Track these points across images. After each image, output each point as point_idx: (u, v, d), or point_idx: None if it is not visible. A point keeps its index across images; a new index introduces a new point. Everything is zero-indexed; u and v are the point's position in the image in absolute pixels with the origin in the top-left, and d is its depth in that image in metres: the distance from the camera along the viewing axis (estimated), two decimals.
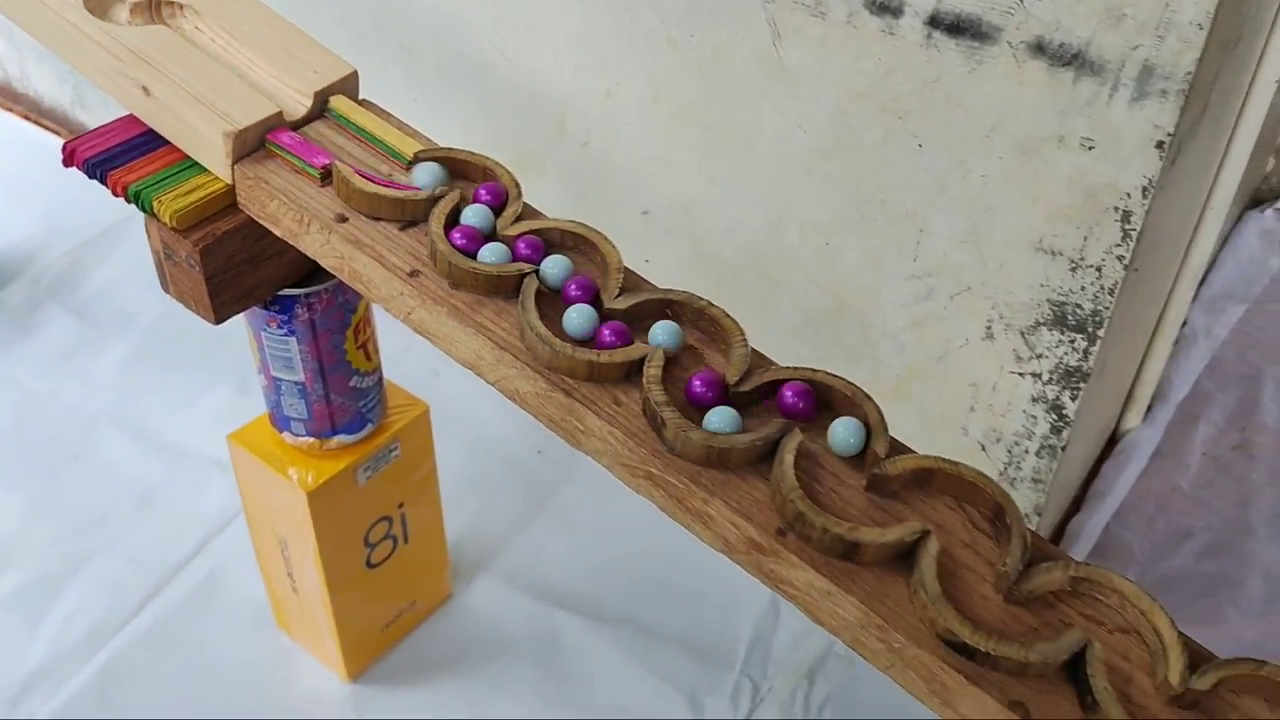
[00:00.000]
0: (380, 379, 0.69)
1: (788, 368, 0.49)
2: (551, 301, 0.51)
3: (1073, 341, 0.68)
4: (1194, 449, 0.96)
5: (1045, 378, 0.71)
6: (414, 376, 0.80)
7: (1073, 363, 0.69)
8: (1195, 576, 0.86)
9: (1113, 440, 0.97)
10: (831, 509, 0.45)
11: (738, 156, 0.76)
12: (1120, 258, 0.63)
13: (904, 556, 0.44)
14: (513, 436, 0.97)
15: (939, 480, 0.46)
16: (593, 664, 0.80)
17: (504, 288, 0.51)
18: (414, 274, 0.51)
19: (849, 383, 0.48)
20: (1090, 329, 0.67)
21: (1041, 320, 0.68)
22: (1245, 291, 1.13)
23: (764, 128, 0.73)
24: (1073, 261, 0.65)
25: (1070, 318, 0.67)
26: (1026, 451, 0.74)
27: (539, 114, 0.85)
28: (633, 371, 0.48)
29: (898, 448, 0.47)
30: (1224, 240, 1.17)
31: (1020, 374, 0.71)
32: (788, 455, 0.45)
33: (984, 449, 0.76)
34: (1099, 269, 0.64)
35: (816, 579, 0.44)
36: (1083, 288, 0.65)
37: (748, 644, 0.82)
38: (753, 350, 0.49)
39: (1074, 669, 0.41)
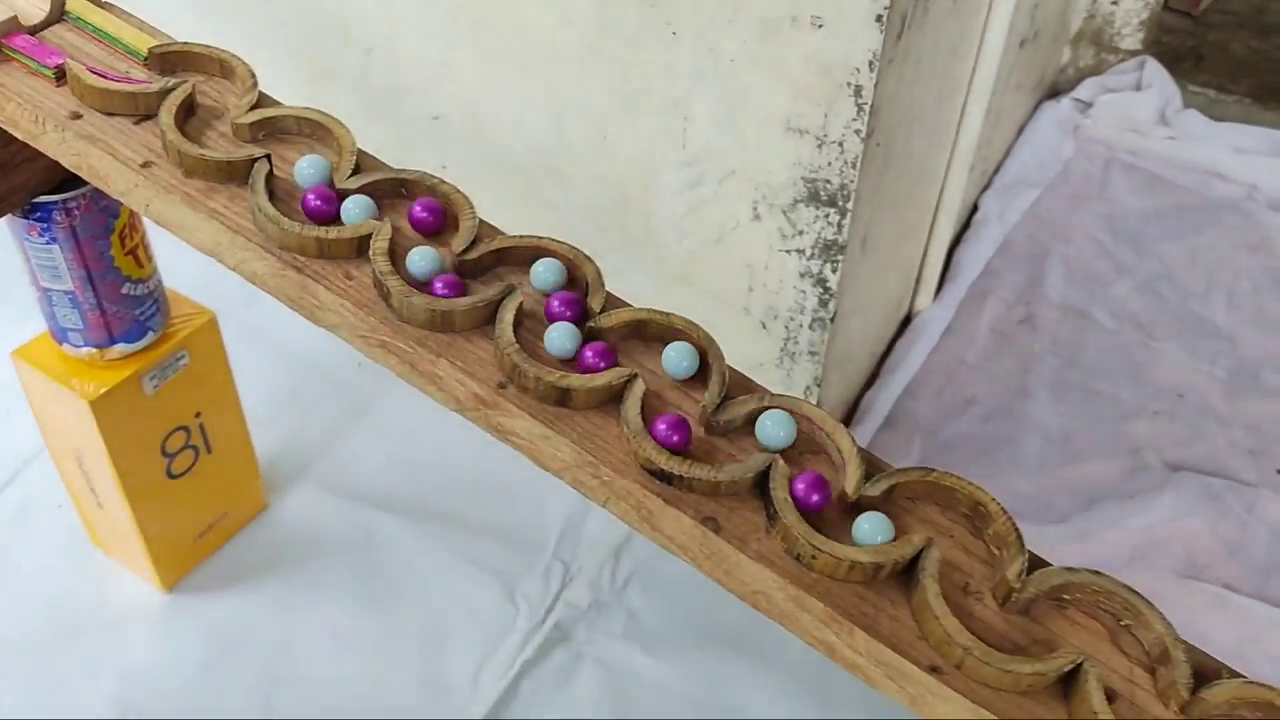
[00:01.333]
0: (158, 287, 0.69)
1: (513, 236, 0.51)
2: (289, 188, 0.52)
3: (827, 216, 0.72)
4: (982, 325, 1.02)
5: (808, 253, 0.75)
6: (229, 300, 0.81)
7: (830, 236, 0.73)
8: (977, 438, 0.92)
9: (907, 321, 1.03)
10: (548, 362, 0.48)
11: (514, 54, 0.78)
12: (857, 131, 0.67)
13: (614, 400, 0.47)
14: (331, 352, 0.98)
15: (652, 329, 0.49)
16: (409, 560, 0.83)
17: (236, 174, 0.52)
18: (147, 165, 0.52)
19: (571, 247, 0.51)
20: (840, 203, 0.71)
21: (799, 198, 0.72)
22: (1039, 178, 1.19)
23: (534, 23, 0.75)
24: (818, 139, 0.69)
25: (822, 193, 0.71)
26: (800, 326, 0.79)
27: (322, 22, 0.85)
28: (363, 248, 0.50)
29: (614, 302, 0.50)
30: (1020, 129, 1.23)
31: (787, 251, 0.75)
32: (507, 314, 0.48)
33: (765, 326, 0.81)
34: (840, 144, 0.68)
35: (535, 425, 0.47)
36: (829, 163, 0.69)
37: (559, 531, 0.85)
38: (481, 221, 0.52)
39: (762, 486, 0.45)
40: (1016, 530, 0.44)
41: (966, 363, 0.99)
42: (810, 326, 0.78)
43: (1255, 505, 0.87)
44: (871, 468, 0.46)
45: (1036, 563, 0.44)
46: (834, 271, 0.75)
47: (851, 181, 0.69)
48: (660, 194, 0.78)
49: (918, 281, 1.02)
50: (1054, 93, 1.29)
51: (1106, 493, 0.88)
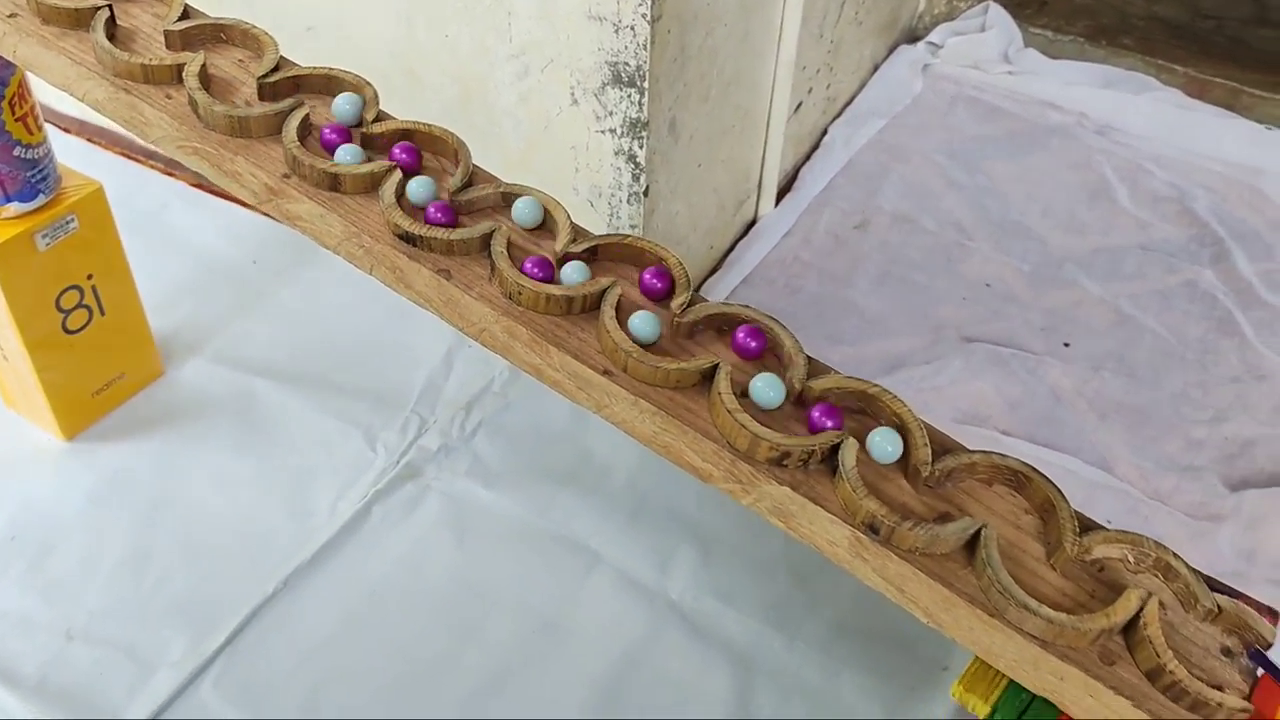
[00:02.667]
0: (48, 155, 0.81)
1: (308, 67, 0.63)
2: (129, 33, 0.64)
3: (630, 96, 0.83)
4: (819, 229, 1.14)
5: (619, 132, 0.86)
6: (144, 211, 0.91)
7: (634, 115, 0.84)
8: (799, 317, 1.04)
9: (753, 225, 1.14)
10: (324, 155, 0.59)
11: None
12: (644, 15, 0.78)
13: (377, 185, 0.58)
14: (230, 253, 1.10)
15: (419, 139, 0.61)
16: (285, 416, 0.94)
17: (83, 21, 0.63)
18: (13, 16, 0.64)
19: (356, 75, 0.63)
20: (639, 82, 0.82)
21: (605, 81, 0.84)
22: (888, 110, 1.31)
23: None
24: (615, 24, 0.80)
25: (623, 75, 0.82)
26: (620, 201, 0.90)
27: None
28: (180, 75, 0.61)
29: (383, 117, 0.61)
30: (875, 69, 1.35)
31: (601, 132, 0.87)
32: (293, 120, 0.59)
33: (591, 204, 0.92)
34: (633, 28, 0.80)
35: (314, 207, 0.58)
36: (625, 46, 0.81)
37: (420, 390, 0.96)
38: (283, 58, 0.63)
39: (488, 246, 0.57)
40: (684, 271, 0.56)
41: (801, 259, 1.11)
42: (628, 201, 0.90)
43: (1038, 370, 0.99)
44: (581, 235, 0.58)
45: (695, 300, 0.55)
46: (641, 148, 0.86)
47: (645, 63, 0.81)
48: (497, 87, 0.90)
49: (760, 190, 1.13)
50: (912, 39, 1.41)
51: (907, 361, 0.99)
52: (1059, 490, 0.50)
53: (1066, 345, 1.03)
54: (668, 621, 0.81)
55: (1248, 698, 0.46)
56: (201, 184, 1.17)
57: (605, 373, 0.53)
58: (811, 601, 0.82)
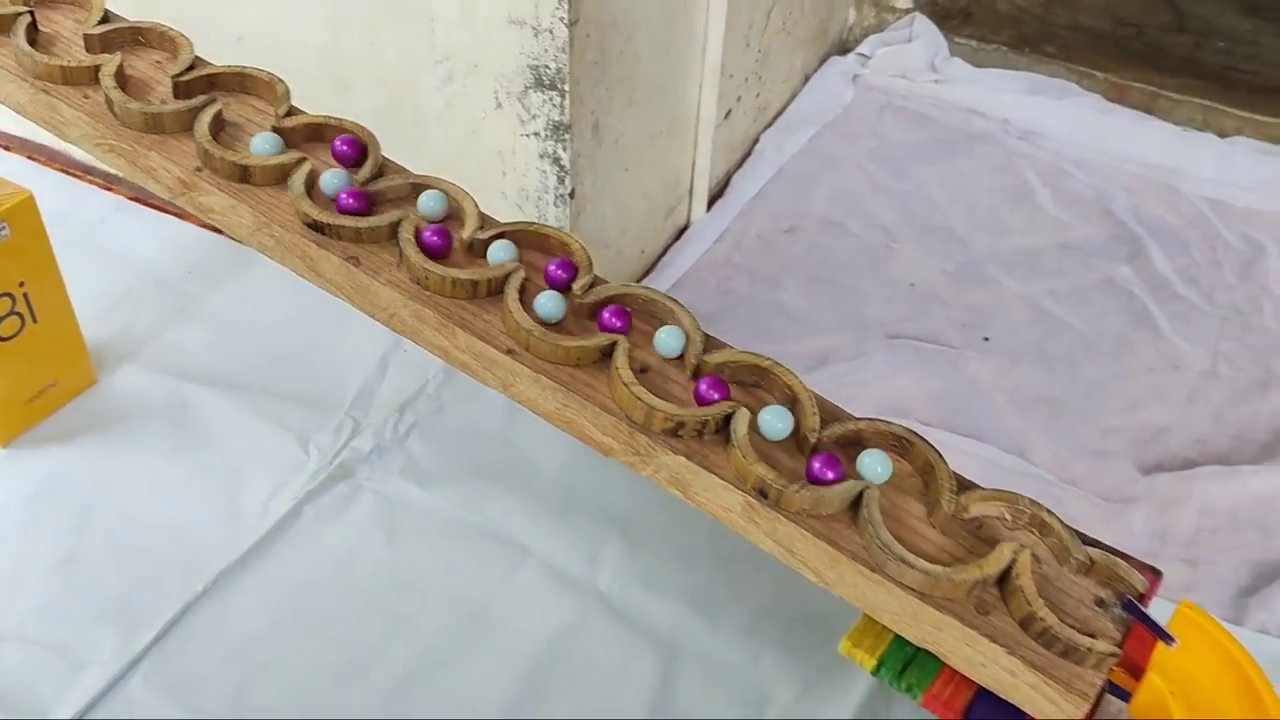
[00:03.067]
0: None
1: (221, 65, 0.64)
2: (50, 38, 0.65)
3: (551, 99, 0.86)
4: (750, 234, 1.17)
5: (542, 135, 0.88)
6: (78, 228, 0.92)
7: (556, 117, 0.87)
8: (728, 317, 1.06)
9: (685, 230, 1.17)
10: (235, 149, 0.61)
11: None
12: (562, 19, 0.81)
13: (287, 176, 0.60)
14: (169, 263, 1.11)
15: (328, 132, 0.63)
16: (219, 422, 0.95)
17: (4, 26, 0.65)
18: None
19: (268, 73, 0.65)
20: (560, 85, 0.85)
21: (528, 84, 0.86)
22: (819, 119, 1.34)
23: None
24: (534, 28, 0.83)
25: (544, 78, 0.85)
26: (547, 204, 0.92)
27: None
28: (97, 76, 0.63)
29: (294, 112, 0.63)
30: (806, 79, 1.39)
31: (526, 135, 0.89)
32: (205, 115, 0.61)
33: (520, 208, 0.94)
34: (551, 31, 0.82)
35: (224, 199, 0.60)
36: (545, 49, 0.83)
37: (354, 394, 0.98)
38: (198, 58, 0.65)
39: (397, 233, 0.58)
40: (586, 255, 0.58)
41: (732, 263, 1.13)
42: (554, 204, 0.92)
43: (958, 363, 1.02)
44: (489, 223, 0.60)
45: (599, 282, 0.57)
46: (565, 150, 0.88)
47: (565, 65, 0.83)
48: (424, 93, 0.92)
49: (691, 196, 1.16)
50: (843, 50, 1.45)
51: (833, 357, 1.02)
52: (938, 453, 0.52)
53: (986, 340, 1.05)
54: (594, 611, 0.82)
55: (1119, 645, 0.48)
56: (139, 198, 1.18)
57: (509, 352, 0.55)
58: (735, 587, 0.84)
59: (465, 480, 0.91)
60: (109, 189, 1.20)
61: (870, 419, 0.53)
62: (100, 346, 1.00)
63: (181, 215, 1.16)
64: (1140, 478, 0.93)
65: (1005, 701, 0.49)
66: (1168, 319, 1.08)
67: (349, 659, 0.79)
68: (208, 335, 1.03)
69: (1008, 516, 0.51)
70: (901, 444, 0.53)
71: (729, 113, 1.17)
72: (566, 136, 0.88)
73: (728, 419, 0.52)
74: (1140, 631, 0.49)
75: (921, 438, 0.53)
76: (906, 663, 0.52)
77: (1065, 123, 1.31)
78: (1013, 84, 1.37)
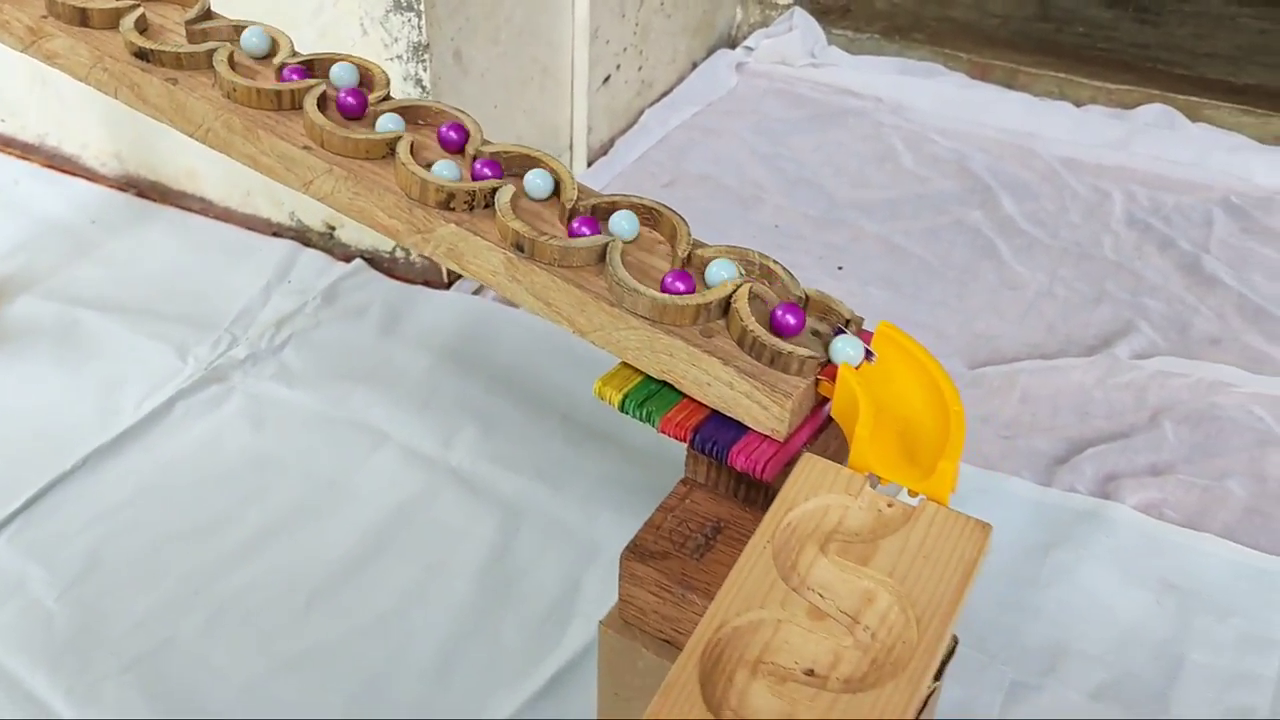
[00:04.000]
0: None
1: None
2: None
3: (410, 20, 0.94)
4: (629, 189, 1.24)
5: (404, 57, 0.96)
6: None
7: (415, 38, 0.94)
8: None
9: None
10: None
11: None
12: None
13: (118, 19, 0.67)
14: (74, 216, 1.17)
15: None
16: (104, 338, 1.00)
17: None
18: None
19: None
20: (416, 5, 0.92)
21: (389, 9, 0.94)
22: (703, 99, 1.43)
23: None
24: None
25: (403, 1, 0.93)
26: None
27: None
28: None
29: None
30: (694, 66, 1.48)
31: (390, 59, 0.97)
32: None
33: None
34: None
35: (66, 41, 0.66)
36: None
37: (235, 315, 1.03)
38: None
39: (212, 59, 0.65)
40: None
41: None
42: None
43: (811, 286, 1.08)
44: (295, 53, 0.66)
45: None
46: (425, 71, 0.96)
47: None
48: (296, 22, 0.99)
49: (571, 151, 1.24)
50: (731, 44, 1.55)
51: None
52: (683, 219, 0.58)
53: (840, 269, 1.12)
54: (445, 482, 0.87)
55: (825, 364, 0.54)
56: (53, 165, 1.25)
57: (305, 149, 0.61)
58: (580, 462, 0.89)
59: (334, 382, 0.96)
60: (25, 158, 1.27)
61: (624, 194, 0.60)
62: (1, 280, 1.06)
63: (90, 177, 1.23)
64: (967, 372, 0.99)
65: (729, 420, 0.54)
66: (1011, 251, 1.16)
67: (205, 522, 0.83)
68: (103, 272, 1.09)
69: (740, 270, 0.57)
70: (652, 214, 0.59)
71: (608, 78, 1.26)
72: (426, 57, 0.95)
73: (495, 192, 0.59)
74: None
75: (670, 208, 0.59)
76: (648, 396, 0.57)
77: (931, 98, 1.40)
78: (884, 67, 1.46)
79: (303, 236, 1.13)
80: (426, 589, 0.79)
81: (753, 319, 0.53)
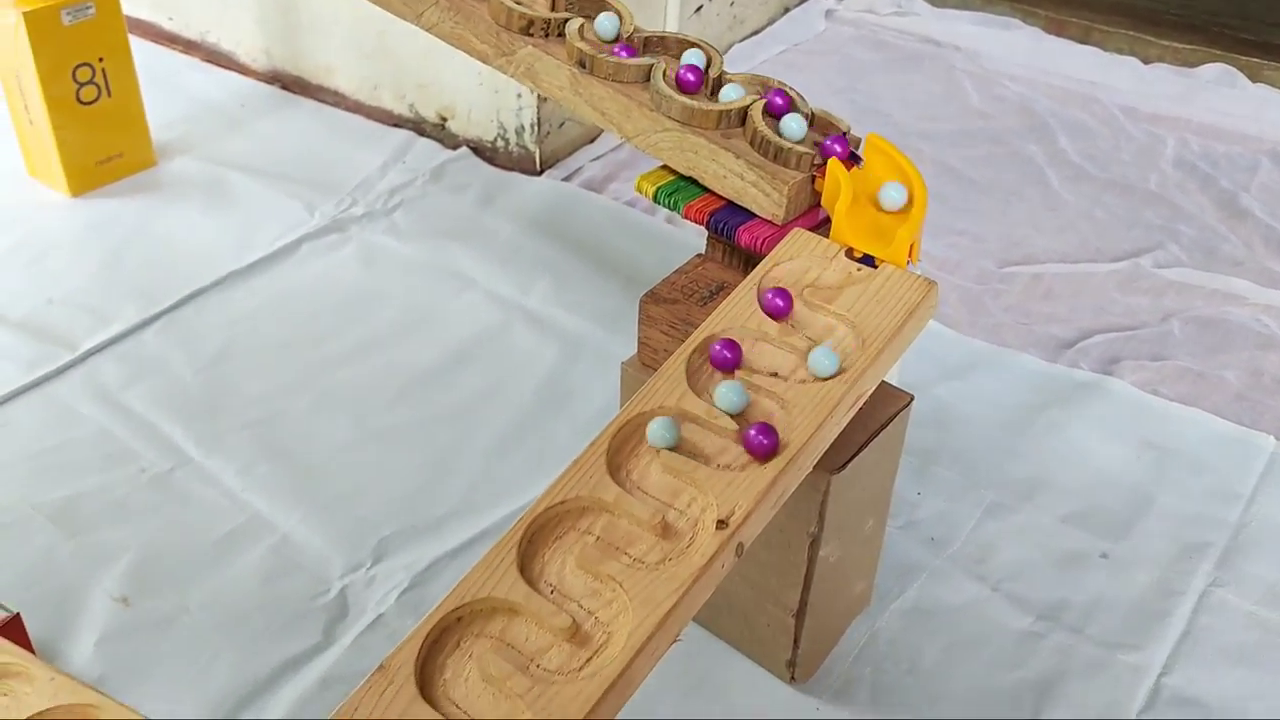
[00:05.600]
0: None
1: None
2: None
3: None
4: None
5: None
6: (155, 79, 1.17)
7: None
8: None
9: None
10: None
11: None
12: None
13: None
14: (228, 100, 1.35)
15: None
16: (246, 194, 1.17)
17: None
18: None
19: None
20: None
21: None
22: (790, 39, 1.54)
23: None
24: None
25: None
26: None
27: None
28: None
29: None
30: (786, 11, 1.59)
31: None
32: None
33: None
34: None
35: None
36: None
37: (357, 183, 1.19)
38: None
39: None
40: None
41: None
42: None
43: None
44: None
45: None
46: None
47: None
48: None
49: None
50: None
51: None
52: (718, 52, 0.71)
53: None
54: (519, 320, 1.01)
55: (821, 164, 0.65)
56: (211, 59, 1.43)
57: None
58: (635, 312, 1.02)
59: (434, 239, 1.11)
60: (187, 53, 1.45)
61: (675, 34, 0.72)
62: (163, 144, 1.23)
63: (242, 71, 1.41)
64: (997, 269, 1.09)
65: (739, 208, 0.66)
66: (1059, 180, 1.24)
67: (317, 334, 0.99)
68: (248, 145, 1.26)
69: (760, 90, 0.69)
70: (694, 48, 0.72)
71: (700, 8, 1.38)
72: None
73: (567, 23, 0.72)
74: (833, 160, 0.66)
75: (708, 44, 0.71)
76: (676, 190, 0.69)
77: (1006, 47, 1.49)
78: (965, 19, 1.56)
79: (419, 127, 1.28)
80: (495, 394, 0.93)
81: (763, 122, 0.65)
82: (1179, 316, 1.03)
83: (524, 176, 1.22)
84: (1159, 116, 1.37)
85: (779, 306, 0.59)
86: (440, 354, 0.97)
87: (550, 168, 1.23)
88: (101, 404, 0.90)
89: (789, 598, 0.66)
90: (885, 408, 0.65)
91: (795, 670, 0.70)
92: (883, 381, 0.67)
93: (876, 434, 0.63)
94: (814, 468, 0.60)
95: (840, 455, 0.62)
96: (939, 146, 1.30)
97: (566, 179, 1.22)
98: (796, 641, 0.68)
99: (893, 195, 0.63)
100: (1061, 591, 0.77)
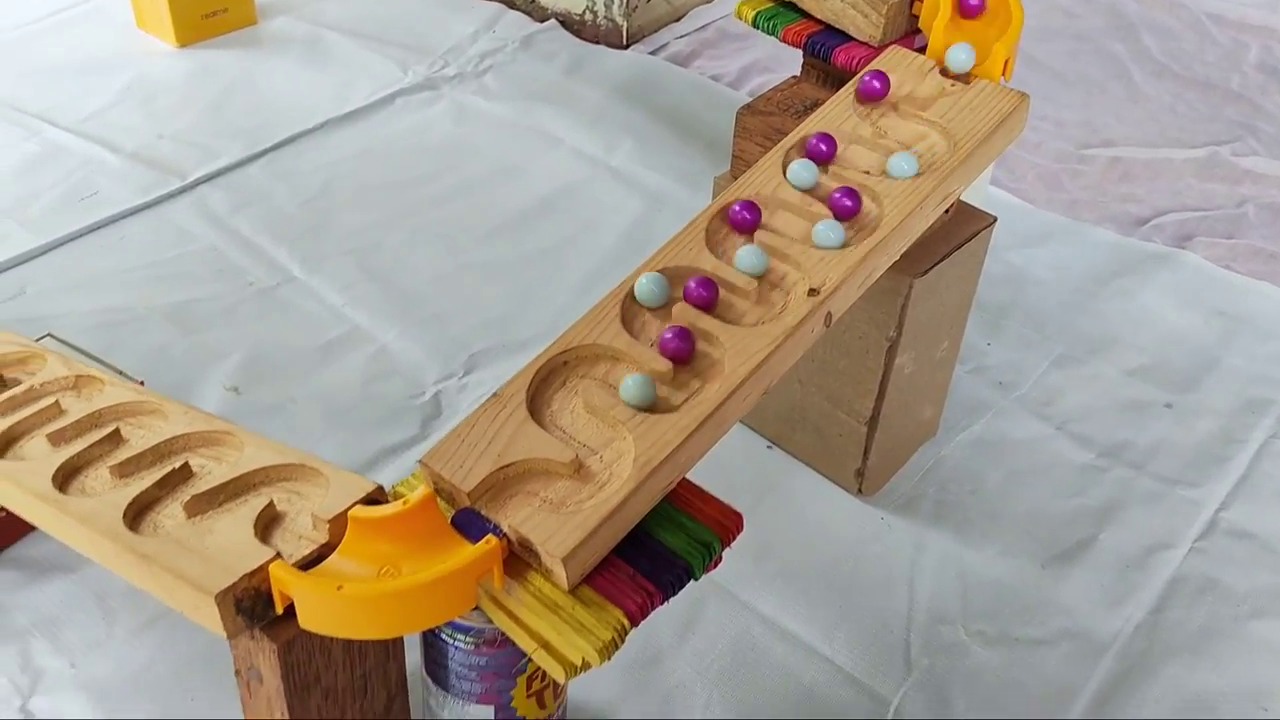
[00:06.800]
0: None
1: None
2: None
3: None
4: None
5: None
6: None
7: None
8: None
9: None
10: None
11: None
12: None
13: None
14: None
15: None
16: (344, 52, 1.21)
17: None
18: None
19: None
20: None
21: None
22: None
23: None
24: None
25: None
26: None
27: None
28: None
29: None
30: None
31: None
32: None
33: None
34: None
35: None
36: None
37: (449, 47, 1.22)
38: None
39: None
40: None
41: None
42: None
43: None
44: None
45: None
46: None
47: None
48: None
49: None
50: None
51: None
52: None
53: None
54: (603, 176, 1.04)
55: None
56: None
57: None
58: (714, 166, 1.05)
59: (523, 100, 1.15)
60: None
61: None
62: (264, 4, 1.28)
63: None
64: (1076, 151, 1.10)
65: (836, 31, 0.68)
66: (1142, 75, 1.25)
67: (411, 178, 1.03)
68: (346, 9, 1.30)
69: None
70: None
71: None
72: None
73: None
74: None
75: None
76: (774, 15, 0.71)
77: None
78: None
79: (510, 1, 1.31)
80: (580, 239, 0.96)
81: None
82: (1254, 202, 1.04)
83: (610, 49, 1.24)
84: (1245, 24, 1.36)
85: (875, 89, 0.62)
86: (528, 202, 1.01)
87: (636, 42, 1.26)
88: (211, 226, 0.95)
89: (863, 406, 0.70)
90: (969, 225, 0.68)
91: (863, 482, 0.73)
92: (967, 203, 0.70)
93: (959, 247, 0.66)
94: (898, 271, 0.63)
95: (923, 262, 0.65)
96: (1026, 43, 1.31)
97: (652, 54, 1.24)
98: (866, 452, 0.72)
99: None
100: (1124, 434, 0.80)
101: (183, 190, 0.98)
